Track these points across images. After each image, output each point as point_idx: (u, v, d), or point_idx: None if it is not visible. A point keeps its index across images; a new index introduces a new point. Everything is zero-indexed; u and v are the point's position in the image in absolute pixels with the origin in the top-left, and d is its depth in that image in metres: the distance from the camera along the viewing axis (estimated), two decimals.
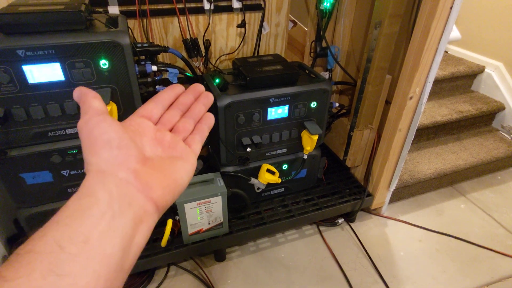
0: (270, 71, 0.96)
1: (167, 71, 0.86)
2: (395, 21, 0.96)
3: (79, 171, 0.86)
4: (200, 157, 1.32)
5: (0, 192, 0.88)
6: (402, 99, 1.02)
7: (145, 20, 1.01)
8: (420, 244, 1.23)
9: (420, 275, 1.11)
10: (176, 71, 0.87)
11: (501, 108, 1.63)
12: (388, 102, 1.11)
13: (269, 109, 0.97)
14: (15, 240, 0.94)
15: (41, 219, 0.89)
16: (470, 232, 1.28)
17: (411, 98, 1.00)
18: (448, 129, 1.62)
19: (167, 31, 1.06)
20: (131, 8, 0.98)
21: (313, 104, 1.02)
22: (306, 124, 1.02)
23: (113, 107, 0.76)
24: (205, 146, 1.23)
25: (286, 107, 0.99)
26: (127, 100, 0.80)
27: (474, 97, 1.70)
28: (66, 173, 0.85)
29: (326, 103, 1.03)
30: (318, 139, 1.04)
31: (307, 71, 1.09)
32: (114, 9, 0.95)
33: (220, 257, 1.13)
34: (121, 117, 0.80)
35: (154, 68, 0.81)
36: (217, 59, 1.16)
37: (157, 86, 0.85)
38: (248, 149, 0.99)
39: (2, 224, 0.97)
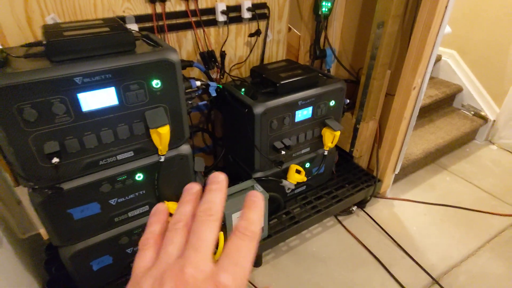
0: (295, 76, 1.00)
1: (209, 85, 0.86)
2: (396, 21, 1.07)
3: (126, 197, 0.82)
4: (217, 168, 1.31)
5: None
6: (406, 90, 1.13)
7: (162, 36, 0.99)
8: (426, 217, 1.37)
9: (436, 244, 1.25)
10: (215, 84, 0.87)
11: (460, 89, 1.88)
12: (388, 94, 1.23)
13: (297, 112, 1.01)
14: (54, 284, 0.86)
15: (85, 256, 0.83)
16: (461, 200, 1.46)
17: (414, 88, 1.12)
18: (421, 112, 1.81)
19: (181, 45, 1.05)
20: (147, 24, 0.95)
21: (332, 103, 1.09)
22: (328, 122, 1.09)
23: (167, 128, 0.74)
24: (221, 157, 1.22)
25: (311, 108, 1.04)
26: (176, 118, 0.78)
27: (437, 82, 1.93)
28: (113, 201, 0.80)
29: (341, 100, 1.11)
30: None
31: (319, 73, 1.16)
32: (133, 27, 0.92)
33: (258, 262, 1.14)
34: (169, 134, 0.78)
35: (198, 83, 0.81)
36: (230, 69, 1.17)
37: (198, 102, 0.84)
38: (283, 152, 1.03)
39: (35, 269, 0.88)
